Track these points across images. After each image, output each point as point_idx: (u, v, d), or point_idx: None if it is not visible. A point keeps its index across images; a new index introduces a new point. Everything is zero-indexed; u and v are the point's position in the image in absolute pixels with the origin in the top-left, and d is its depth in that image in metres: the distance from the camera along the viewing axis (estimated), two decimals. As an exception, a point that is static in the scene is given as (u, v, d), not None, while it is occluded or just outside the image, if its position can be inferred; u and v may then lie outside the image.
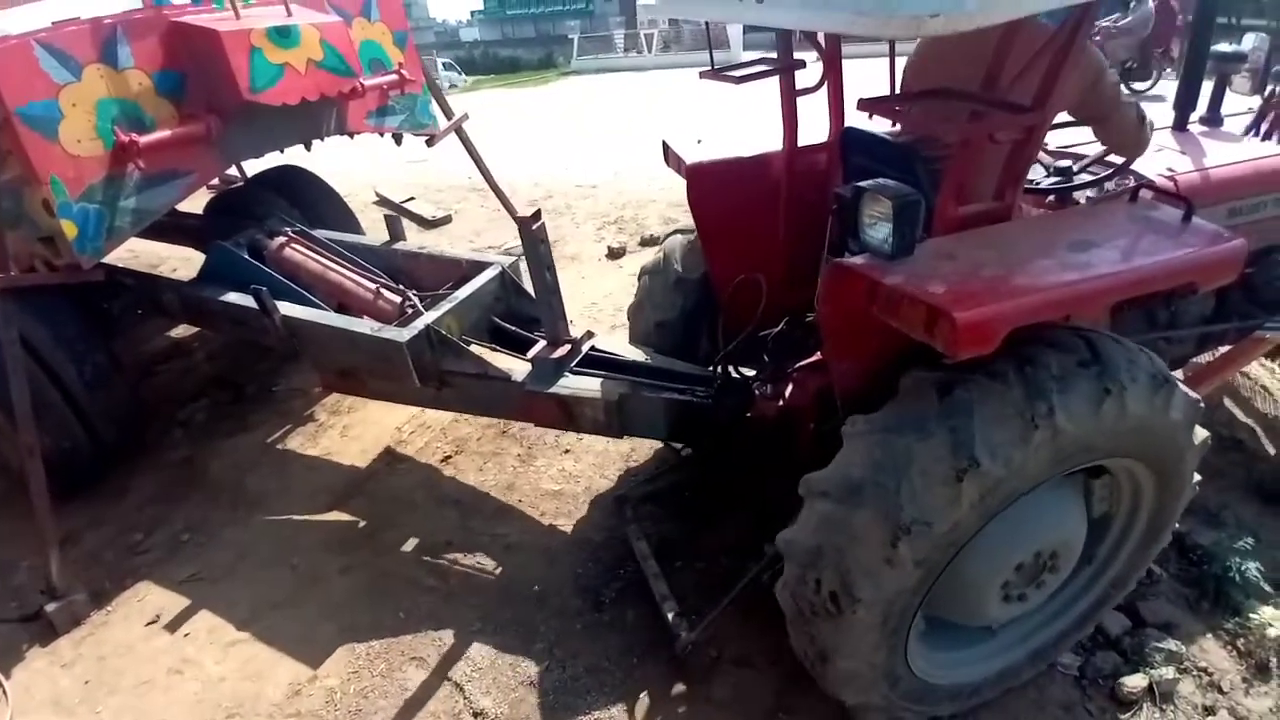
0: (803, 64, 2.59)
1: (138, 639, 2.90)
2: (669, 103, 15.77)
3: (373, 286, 3.61)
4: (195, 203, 4.35)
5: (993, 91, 1.95)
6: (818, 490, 1.86)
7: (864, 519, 1.73)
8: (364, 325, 3.11)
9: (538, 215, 2.68)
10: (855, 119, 2.57)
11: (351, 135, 4.25)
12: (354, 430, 4.12)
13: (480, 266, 3.48)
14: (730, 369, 2.71)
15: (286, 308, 3.23)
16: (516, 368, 2.91)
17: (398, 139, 4.59)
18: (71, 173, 2.95)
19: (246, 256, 3.69)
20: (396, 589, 2.96)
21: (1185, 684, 2.36)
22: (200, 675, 2.71)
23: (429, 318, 2.99)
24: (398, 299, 3.50)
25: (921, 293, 1.62)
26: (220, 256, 3.70)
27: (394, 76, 4.16)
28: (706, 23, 2.64)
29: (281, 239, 3.88)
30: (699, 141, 2.94)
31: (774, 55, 2.61)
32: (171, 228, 4.71)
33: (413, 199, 8.12)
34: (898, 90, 2.50)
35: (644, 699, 2.42)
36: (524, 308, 3.42)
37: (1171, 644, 2.42)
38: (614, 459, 3.58)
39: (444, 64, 25.90)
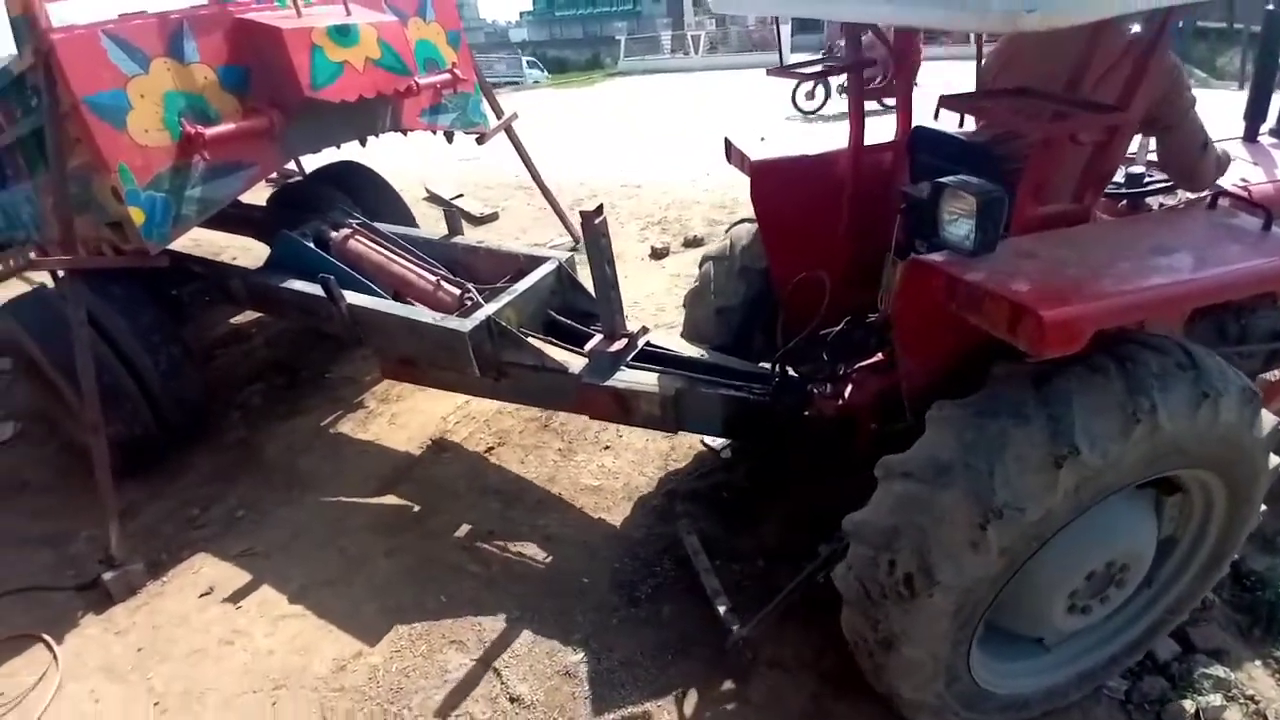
0: (873, 62, 2.59)
1: (191, 609, 3.03)
2: (715, 104, 15.73)
3: (433, 278, 3.68)
4: (256, 195, 4.53)
5: (1076, 92, 1.93)
6: (899, 471, 1.83)
7: (951, 500, 1.71)
8: (427, 315, 3.17)
9: (600, 210, 2.71)
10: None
11: (405, 132, 4.36)
12: (402, 418, 4.23)
13: (537, 261, 3.53)
14: (787, 367, 2.70)
15: (352, 296, 3.31)
16: (573, 361, 2.94)
17: (449, 137, 4.70)
18: (140, 161, 3.09)
19: (312, 246, 3.80)
20: (439, 573, 3.03)
21: (1232, 712, 2.28)
22: (250, 647, 2.81)
23: (490, 309, 3.04)
24: (457, 291, 3.57)
25: (1005, 290, 1.61)
26: (287, 246, 3.82)
27: (447, 75, 4.26)
28: (777, 20, 2.64)
29: (346, 230, 3.99)
30: (762, 139, 2.95)
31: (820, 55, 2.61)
32: (235, 218, 4.89)
33: (461, 195, 8.27)
34: (976, 89, 2.49)
35: (679, 696, 2.43)
36: (579, 302, 3.46)
37: (1220, 671, 2.35)
38: (653, 457, 3.60)
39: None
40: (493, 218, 7.78)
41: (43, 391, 3.98)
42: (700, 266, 3.31)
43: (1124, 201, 2.53)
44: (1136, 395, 1.67)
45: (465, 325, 2.93)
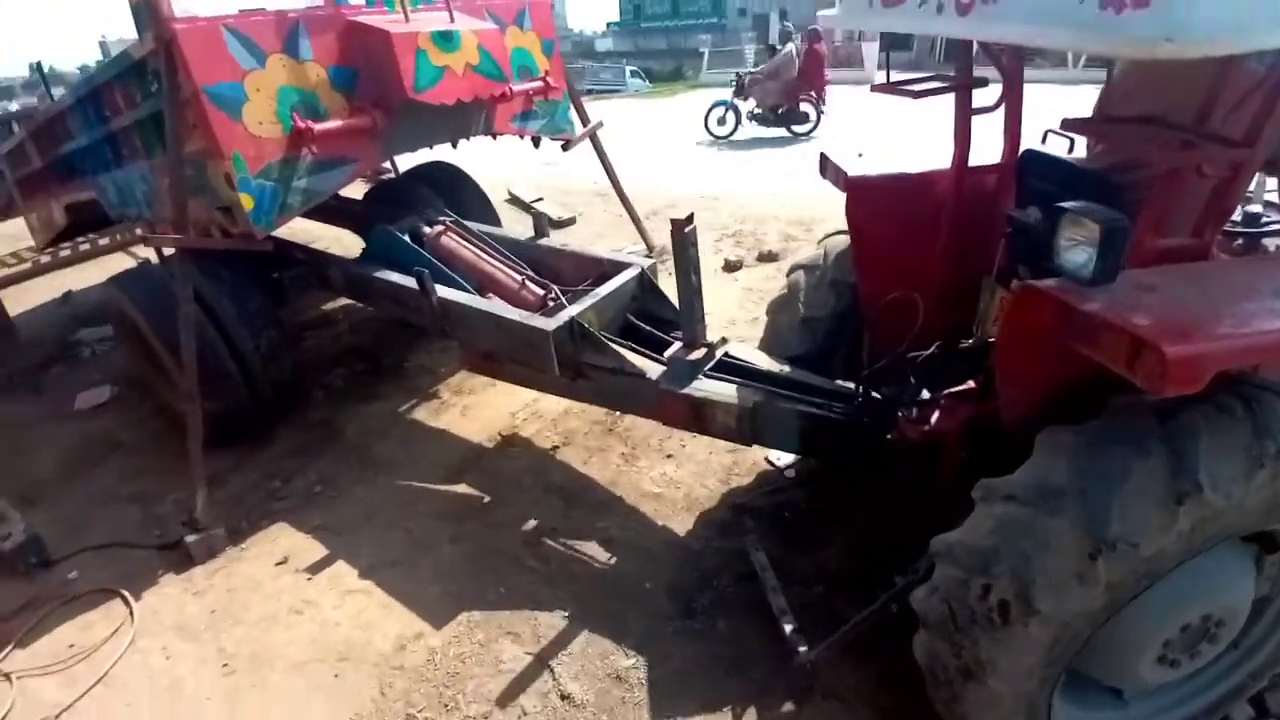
0: (984, 81, 2.55)
1: (266, 577, 3.18)
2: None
3: (518, 278, 3.78)
4: (353, 190, 4.74)
5: (1204, 125, 1.88)
6: (1002, 494, 1.78)
7: (1060, 527, 1.65)
8: (513, 312, 3.26)
9: (690, 218, 2.73)
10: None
11: (495, 136, 4.50)
12: (473, 411, 4.35)
13: (620, 266, 3.58)
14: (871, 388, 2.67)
15: (443, 290, 3.43)
16: (650, 366, 2.98)
17: (536, 142, 4.82)
18: (252, 151, 3.27)
19: (407, 240, 3.95)
20: (500, 565, 3.10)
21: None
22: (318, 618, 2.93)
23: (573, 310, 3.10)
24: (541, 291, 3.65)
25: (1125, 322, 1.55)
26: (383, 239, 3.99)
27: (540, 83, 4.37)
28: (884, 37, 2.63)
29: (440, 227, 4.14)
30: (860, 155, 2.94)
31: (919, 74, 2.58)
32: (333, 210, 5.13)
33: (541, 199, 8.45)
34: (1096, 113, 2.45)
35: (729, 714, 2.41)
36: (659, 309, 3.50)
37: (1292, 738, 2.21)
38: (715, 469, 3.60)
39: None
40: (570, 222, 7.92)
41: (144, 361, 4.27)
42: (789, 275, 3.29)
43: (1240, 240, 2.41)
44: (1263, 439, 1.60)
45: (549, 324, 3.00)
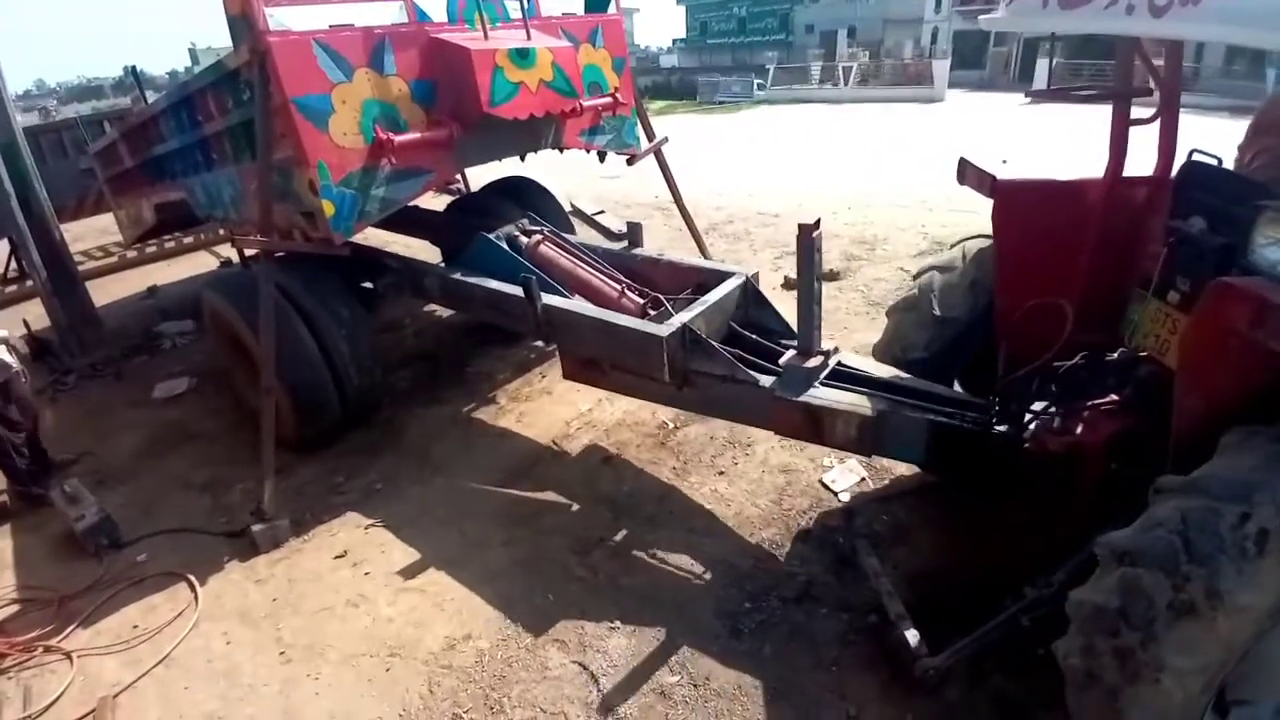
0: (1148, 91, 2.53)
1: (325, 569, 3.29)
2: (863, 136, 15.45)
3: (618, 286, 3.82)
4: (430, 202, 4.88)
5: None
6: (1179, 488, 1.74)
7: (1252, 520, 1.59)
8: (624, 319, 3.28)
9: (817, 224, 2.74)
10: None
11: (562, 150, 4.59)
12: (529, 418, 4.43)
13: (722, 275, 3.60)
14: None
15: (548, 298, 3.49)
16: (762, 375, 2.97)
17: (602, 156, 4.90)
18: (336, 160, 3.40)
19: (507, 248, 4.03)
20: (549, 571, 3.14)
21: None
22: (373, 612, 3.02)
23: (684, 317, 3.10)
24: (641, 300, 3.68)
25: None
26: (483, 247, 4.08)
27: (609, 99, 4.44)
28: (1052, 39, 2.61)
29: (538, 236, 4.23)
30: (1004, 162, 2.93)
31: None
32: (413, 221, 5.28)
33: (602, 212, 8.56)
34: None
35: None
36: (763, 318, 3.50)
37: None
38: (767, 489, 3.58)
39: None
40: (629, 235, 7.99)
41: (231, 357, 4.46)
42: (918, 276, 3.25)
43: None
44: None
45: (663, 330, 3.01)
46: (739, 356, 3.05)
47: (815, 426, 2.79)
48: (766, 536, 3.25)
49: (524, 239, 4.21)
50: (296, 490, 3.84)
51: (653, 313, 3.47)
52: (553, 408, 4.51)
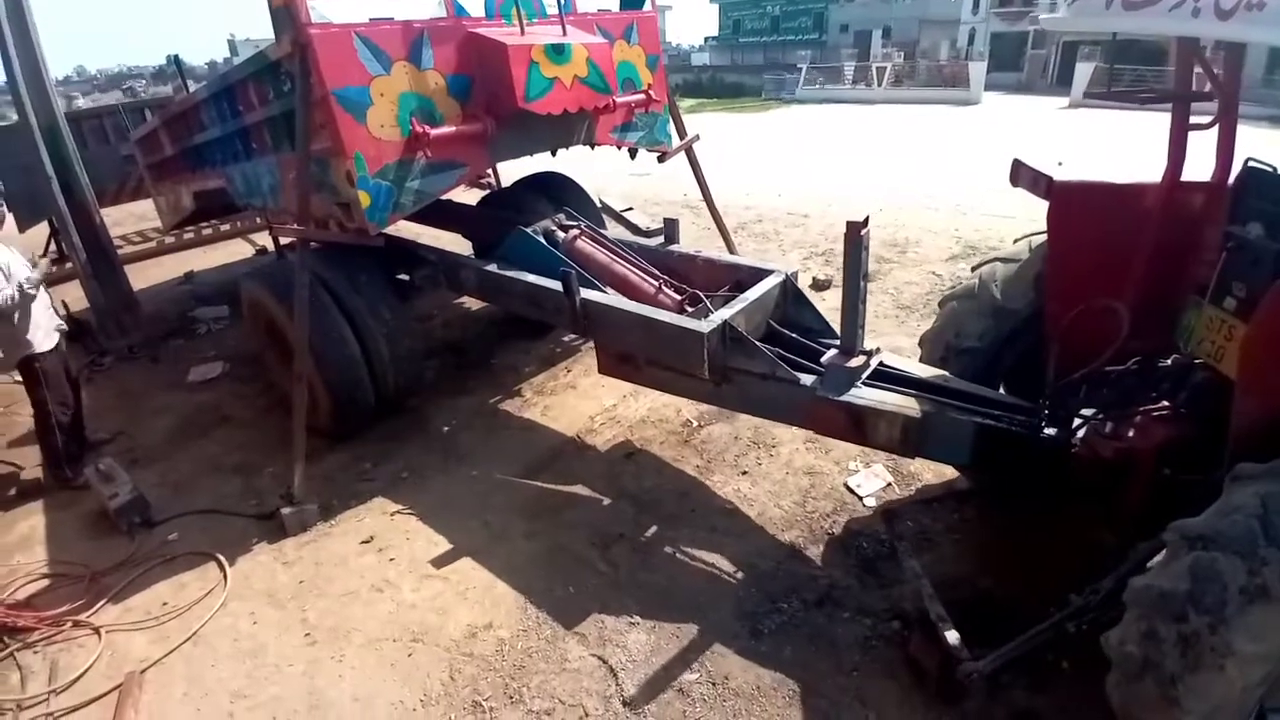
0: (1209, 96, 2.50)
1: (351, 554, 3.34)
2: (896, 138, 15.28)
3: (655, 282, 3.80)
4: (462, 195, 4.93)
5: None
6: (1257, 475, 1.75)
7: None
8: (664, 314, 3.26)
9: (866, 221, 2.72)
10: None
11: (594, 146, 4.59)
12: (553, 411, 4.46)
13: (761, 273, 3.58)
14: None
15: (587, 292, 3.48)
16: (802, 374, 2.95)
17: (633, 153, 4.90)
18: (373, 152, 3.44)
19: (544, 243, 4.04)
20: (570, 564, 3.16)
21: None
22: (396, 598, 3.06)
23: (724, 314, 3.09)
24: (678, 296, 3.67)
25: None
26: (520, 241, 4.08)
27: (642, 96, 4.45)
28: (1108, 44, 2.60)
29: (575, 231, 4.23)
30: (1060, 164, 2.88)
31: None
32: (447, 214, 5.31)
33: (631, 209, 8.56)
34: None
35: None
36: (802, 317, 3.47)
37: None
38: (791, 491, 3.56)
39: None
40: (658, 232, 7.98)
41: (268, 346, 4.52)
42: (977, 268, 3.21)
43: None
44: None
45: (704, 326, 2.99)
46: (779, 355, 3.03)
47: (858, 427, 2.78)
48: (789, 538, 3.24)
49: (560, 234, 4.21)
50: (325, 476, 3.90)
51: (690, 309, 3.45)
52: (577, 402, 4.53)
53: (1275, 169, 2.32)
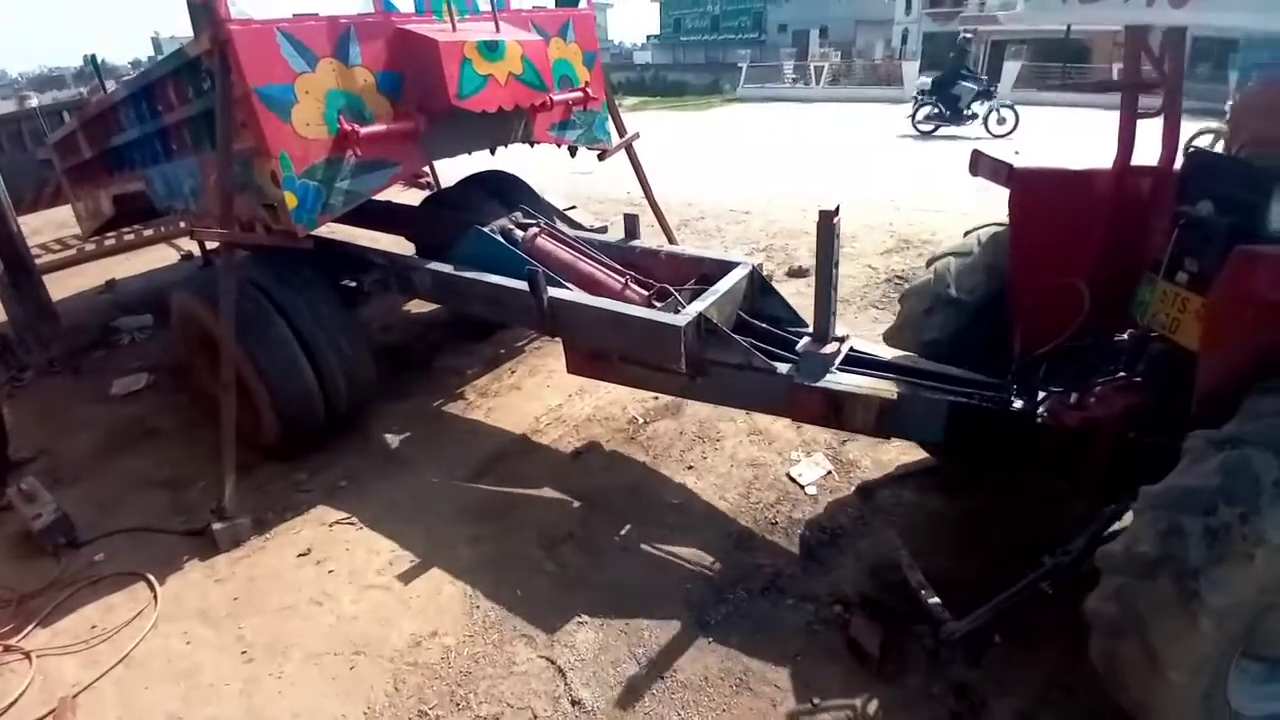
0: (1157, 84, 2.65)
1: (287, 568, 3.23)
2: (833, 135, 15.60)
3: (621, 279, 3.75)
4: (398, 195, 4.83)
5: None
6: (1218, 441, 1.86)
7: None
8: (639, 310, 3.24)
9: (837, 210, 2.77)
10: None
11: (533, 144, 4.56)
12: (497, 413, 4.41)
13: (727, 265, 3.59)
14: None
15: (554, 290, 3.41)
16: (777, 363, 2.98)
17: (573, 151, 4.89)
18: (299, 151, 3.34)
19: (503, 242, 3.91)
20: (516, 566, 3.13)
21: None
22: (337, 610, 2.98)
23: (698, 307, 3.10)
24: (645, 291, 3.63)
25: None
26: (478, 240, 3.94)
27: (580, 94, 4.43)
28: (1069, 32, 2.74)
29: (535, 229, 4.12)
30: (1016, 153, 3.03)
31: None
32: (387, 216, 5.17)
33: (574, 208, 8.47)
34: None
35: (738, 727, 2.40)
36: (769, 307, 3.51)
37: None
38: (735, 483, 3.60)
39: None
40: (602, 231, 7.93)
41: (200, 360, 4.25)
42: (931, 263, 3.32)
43: None
44: None
45: (680, 320, 2.99)
46: (752, 345, 3.07)
47: (835, 411, 2.84)
48: (735, 530, 3.28)
49: (519, 232, 4.12)
50: (258, 488, 3.77)
51: (659, 304, 3.44)
52: (522, 403, 4.49)
53: (1219, 152, 2.48)
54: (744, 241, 7.51)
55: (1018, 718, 2.36)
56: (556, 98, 4.15)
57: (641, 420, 4.21)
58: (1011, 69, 22.22)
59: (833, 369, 2.89)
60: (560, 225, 4.37)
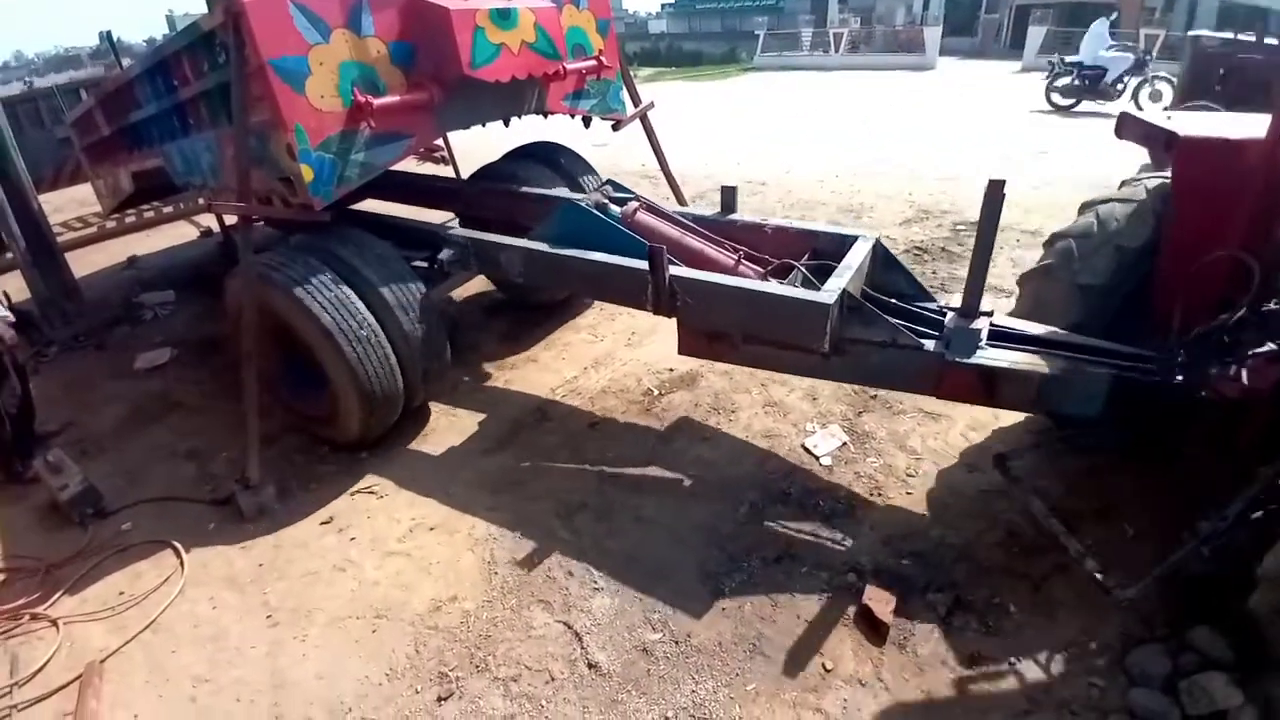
0: None
1: (311, 535, 3.30)
2: (852, 104, 15.33)
3: (733, 255, 3.59)
4: (413, 170, 4.81)
5: None
6: None
7: None
8: (778, 288, 3.10)
9: (1003, 182, 2.64)
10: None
11: (547, 114, 4.52)
12: (514, 385, 4.45)
13: (843, 239, 3.43)
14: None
15: (676, 269, 3.24)
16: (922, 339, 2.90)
17: (587, 121, 4.83)
18: (314, 124, 3.33)
19: (603, 217, 3.70)
20: (534, 535, 3.18)
21: None
22: (359, 576, 3.04)
23: (838, 283, 2.96)
24: (760, 267, 3.49)
25: None
26: (575, 216, 3.75)
27: (593, 62, 4.36)
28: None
29: (634, 204, 3.92)
30: (1168, 115, 2.89)
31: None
32: (430, 192, 5.11)
33: (608, 181, 8.47)
34: None
35: (751, 693, 2.44)
36: (894, 281, 3.38)
37: None
38: (750, 453, 3.62)
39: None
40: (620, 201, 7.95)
41: (262, 348, 3.75)
42: (1049, 244, 3.19)
43: None
44: None
45: (827, 298, 2.84)
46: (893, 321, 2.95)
47: (988, 388, 2.78)
48: (749, 499, 3.29)
49: (615, 207, 3.91)
50: (281, 457, 3.84)
51: (779, 281, 3.30)
52: (538, 375, 4.52)
53: None
54: (761, 212, 7.33)
55: (1032, 687, 2.38)
56: (570, 66, 4.10)
57: (657, 392, 4.22)
58: (1036, 34, 21.65)
59: (982, 344, 2.81)
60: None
